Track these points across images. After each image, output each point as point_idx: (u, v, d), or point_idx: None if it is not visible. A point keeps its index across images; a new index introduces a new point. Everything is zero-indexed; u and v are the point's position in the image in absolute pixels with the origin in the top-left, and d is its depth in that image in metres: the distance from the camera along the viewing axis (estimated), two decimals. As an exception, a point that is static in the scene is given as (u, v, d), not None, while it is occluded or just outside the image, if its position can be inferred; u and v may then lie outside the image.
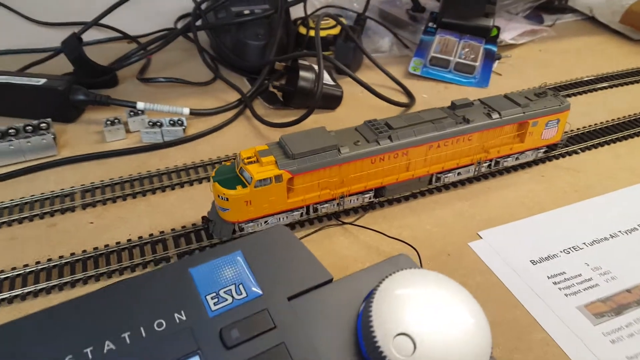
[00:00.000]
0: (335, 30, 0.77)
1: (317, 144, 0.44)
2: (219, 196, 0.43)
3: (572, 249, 0.45)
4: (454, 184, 0.54)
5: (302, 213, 0.47)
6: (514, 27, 0.89)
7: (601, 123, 0.65)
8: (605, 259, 0.44)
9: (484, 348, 0.25)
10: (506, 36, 0.87)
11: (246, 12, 0.74)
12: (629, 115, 0.67)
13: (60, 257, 0.44)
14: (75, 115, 0.65)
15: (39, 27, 0.84)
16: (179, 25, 0.89)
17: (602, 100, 0.71)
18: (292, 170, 0.43)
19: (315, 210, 0.48)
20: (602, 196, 0.52)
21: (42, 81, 0.62)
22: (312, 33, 0.76)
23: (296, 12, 0.81)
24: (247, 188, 0.42)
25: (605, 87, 0.74)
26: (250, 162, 0.43)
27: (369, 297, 0.27)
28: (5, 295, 0.41)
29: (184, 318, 0.26)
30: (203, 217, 0.47)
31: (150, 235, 0.47)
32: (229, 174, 0.44)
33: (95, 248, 0.45)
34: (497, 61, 0.81)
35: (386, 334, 0.25)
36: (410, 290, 0.27)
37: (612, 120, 0.66)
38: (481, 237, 0.47)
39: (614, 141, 0.61)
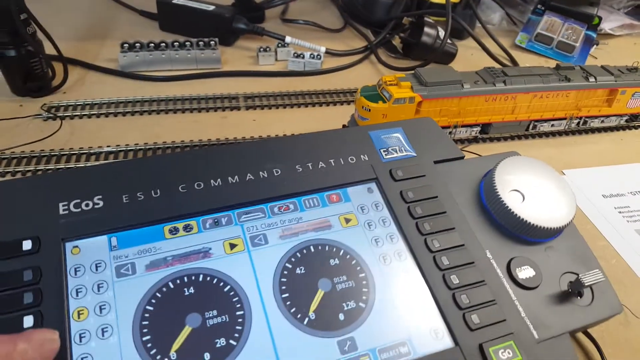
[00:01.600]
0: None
1: (445, 77, 0.55)
2: (362, 107, 0.55)
3: (638, 192, 0.55)
4: (547, 134, 0.64)
5: (420, 135, 0.59)
6: (615, 19, 0.97)
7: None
8: (667, 203, 0.54)
9: (570, 211, 0.37)
10: (606, 26, 0.95)
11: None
12: None
13: (235, 138, 0.58)
14: (233, 40, 0.78)
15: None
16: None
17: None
18: (424, 95, 0.55)
19: (430, 135, 0.59)
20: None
21: (212, 7, 0.76)
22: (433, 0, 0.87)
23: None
24: (387, 103, 0.54)
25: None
26: (391, 85, 0.55)
27: (494, 167, 0.38)
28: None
29: (366, 159, 0.38)
30: (344, 125, 0.59)
31: (300, 134, 0.60)
32: (371, 92, 0.56)
33: (260, 136, 0.58)
34: (594, 46, 0.89)
35: (504, 188, 0.37)
36: (524, 166, 0.38)
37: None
38: (564, 174, 0.57)
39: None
